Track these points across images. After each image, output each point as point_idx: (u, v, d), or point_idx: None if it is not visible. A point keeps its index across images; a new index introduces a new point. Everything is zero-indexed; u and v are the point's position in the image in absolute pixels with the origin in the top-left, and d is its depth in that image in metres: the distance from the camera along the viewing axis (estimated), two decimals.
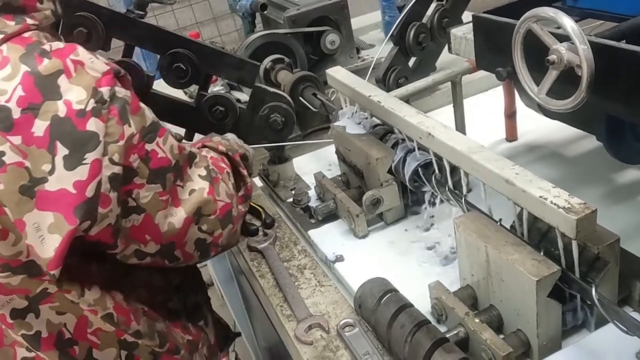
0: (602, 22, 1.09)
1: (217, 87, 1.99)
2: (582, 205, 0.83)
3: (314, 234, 1.33)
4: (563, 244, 0.88)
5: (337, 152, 1.43)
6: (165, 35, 1.39)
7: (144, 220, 0.91)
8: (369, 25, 2.42)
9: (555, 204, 0.84)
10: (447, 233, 1.23)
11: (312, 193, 1.46)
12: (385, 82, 1.64)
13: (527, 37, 0.94)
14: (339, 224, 1.35)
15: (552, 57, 0.88)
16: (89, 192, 0.81)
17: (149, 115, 0.91)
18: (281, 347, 1.34)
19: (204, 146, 1.13)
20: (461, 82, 1.40)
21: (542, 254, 0.90)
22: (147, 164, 0.89)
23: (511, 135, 1.59)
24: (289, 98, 1.47)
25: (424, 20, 1.67)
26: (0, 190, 0.79)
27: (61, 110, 0.80)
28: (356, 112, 1.40)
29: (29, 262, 0.85)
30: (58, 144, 0.79)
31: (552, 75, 0.91)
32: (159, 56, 1.41)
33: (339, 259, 1.23)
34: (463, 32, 1.19)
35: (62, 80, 0.81)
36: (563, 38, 0.88)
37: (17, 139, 0.78)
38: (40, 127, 0.79)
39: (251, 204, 1.39)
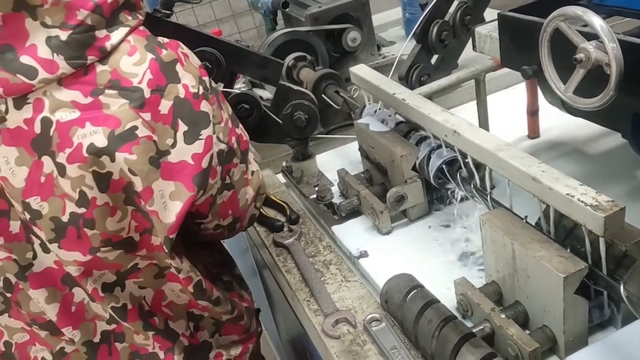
0: (629, 19, 1.09)
1: (238, 85, 2.01)
2: (610, 203, 0.83)
3: (338, 229, 1.34)
4: (590, 241, 0.89)
5: (361, 149, 1.44)
6: (192, 34, 1.41)
7: (231, 196, 1.03)
8: (389, 23, 2.42)
9: (582, 202, 0.85)
10: (470, 230, 1.24)
11: (334, 189, 1.48)
12: (408, 80, 1.65)
13: (554, 36, 0.95)
14: (362, 220, 1.36)
15: (579, 55, 0.89)
16: (204, 163, 0.92)
17: (228, 105, 1.04)
18: (305, 341, 1.36)
19: None
20: (485, 79, 1.40)
21: (568, 251, 0.91)
22: (239, 146, 1.03)
23: (533, 133, 1.59)
24: (312, 96, 1.48)
25: (446, 17, 1.67)
26: (133, 160, 0.86)
27: (181, 92, 0.89)
28: (379, 109, 1.41)
29: (128, 239, 0.93)
30: (179, 121, 0.89)
31: (579, 73, 0.91)
32: None
33: (363, 254, 1.25)
34: (488, 30, 1.20)
35: (179, 68, 0.90)
36: (591, 36, 0.88)
37: (147, 116, 0.86)
38: (165, 106, 0.88)
39: (276, 200, 1.41)
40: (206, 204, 0.98)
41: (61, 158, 0.86)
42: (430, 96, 1.42)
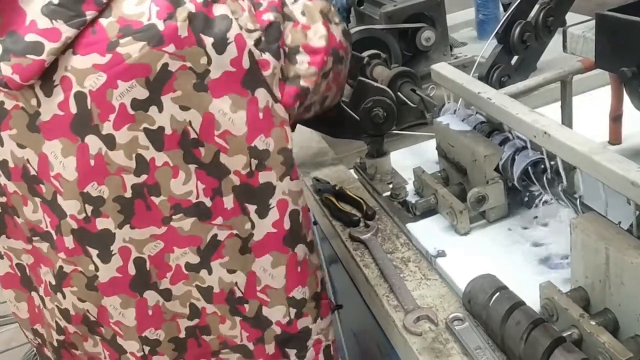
0: None
1: None
2: None
3: (413, 227, 1.33)
4: None
5: (438, 147, 1.43)
6: None
7: (306, 50, 0.96)
8: (461, 23, 2.40)
9: None
10: (553, 234, 1.22)
11: (409, 187, 1.47)
12: (488, 80, 1.63)
13: None
14: (438, 220, 1.35)
15: None
16: (245, 64, 0.87)
17: None
18: (376, 336, 1.35)
19: None
20: (572, 82, 1.37)
21: None
22: (277, 10, 0.93)
23: (615, 139, 1.55)
24: (391, 93, 1.48)
25: (528, 18, 1.64)
26: (180, 96, 0.85)
27: (191, 8, 0.84)
28: (459, 108, 1.40)
29: (198, 204, 0.91)
30: (202, 36, 0.85)
31: None
32: None
33: (441, 254, 1.24)
34: (582, 31, 1.17)
35: None
36: None
37: (171, 48, 0.83)
38: (183, 28, 0.83)
39: (352, 195, 1.42)
40: (286, 86, 0.93)
41: (107, 128, 0.84)
42: (514, 97, 1.39)
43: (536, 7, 1.63)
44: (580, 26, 1.19)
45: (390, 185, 1.48)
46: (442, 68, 1.41)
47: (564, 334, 0.94)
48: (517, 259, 1.20)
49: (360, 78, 1.47)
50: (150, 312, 0.97)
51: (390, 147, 1.65)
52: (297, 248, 1.00)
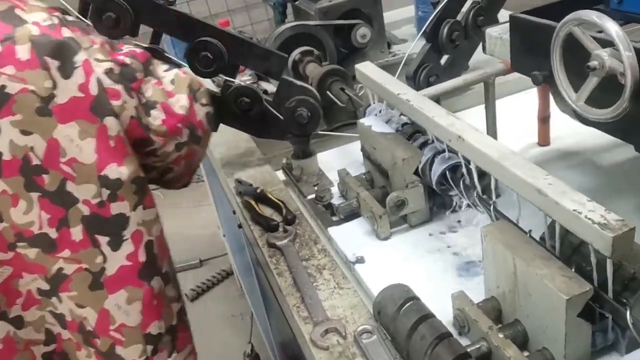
0: None
1: (245, 77, 1.96)
2: (619, 222, 0.78)
3: (335, 232, 1.30)
4: (596, 261, 0.84)
5: (363, 149, 1.39)
6: (194, 23, 1.37)
7: (164, 110, 0.97)
8: (402, 20, 2.36)
9: (590, 219, 0.80)
10: (473, 240, 1.19)
11: (334, 190, 1.43)
12: (416, 80, 1.60)
13: (567, 41, 0.90)
14: (361, 223, 1.31)
15: (593, 63, 0.84)
16: (93, 90, 0.85)
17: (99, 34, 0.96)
18: (295, 344, 1.31)
19: None
20: (494, 83, 1.35)
21: (573, 269, 0.86)
22: (137, 59, 0.95)
23: (544, 140, 1.54)
24: (315, 92, 1.44)
25: (459, 17, 1.61)
26: (21, 120, 0.80)
27: (34, 30, 0.82)
28: (384, 109, 1.36)
29: (41, 235, 0.85)
30: (46, 58, 0.82)
31: (592, 82, 0.86)
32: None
33: (360, 260, 1.20)
34: (498, 33, 1.14)
35: (19, 12, 0.84)
36: (606, 43, 0.83)
37: (9, 69, 0.80)
38: (24, 50, 0.81)
39: (273, 198, 1.37)
40: (135, 128, 0.92)
41: None
42: (437, 98, 1.37)
43: (467, 5, 1.61)
44: (498, 27, 1.16)
45: (316, 188, 1.44)
46: (364, 67, 1.37)
47: (473, 347, 0.91)
48: (436, 265, 1.17)
49: (282, 77, 1.42)
50: (0, 346, 0.90)
51: (320, 147, 1.61)
52: (153, 281, 0.95)
